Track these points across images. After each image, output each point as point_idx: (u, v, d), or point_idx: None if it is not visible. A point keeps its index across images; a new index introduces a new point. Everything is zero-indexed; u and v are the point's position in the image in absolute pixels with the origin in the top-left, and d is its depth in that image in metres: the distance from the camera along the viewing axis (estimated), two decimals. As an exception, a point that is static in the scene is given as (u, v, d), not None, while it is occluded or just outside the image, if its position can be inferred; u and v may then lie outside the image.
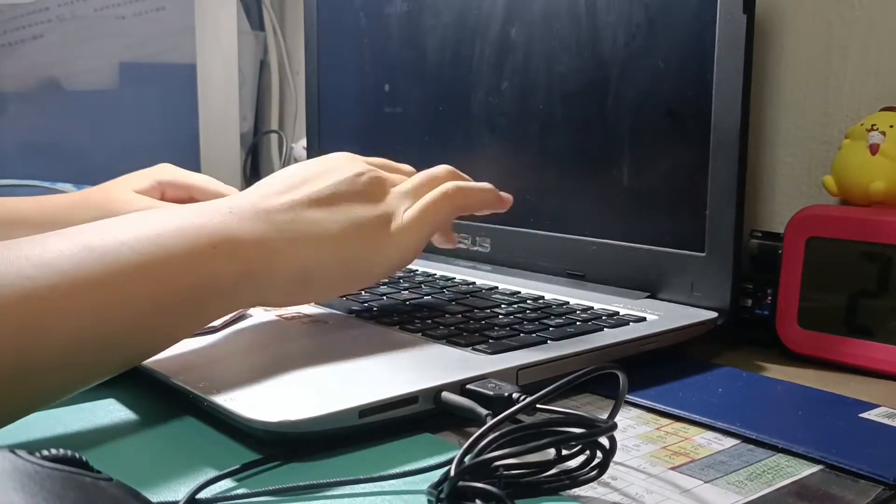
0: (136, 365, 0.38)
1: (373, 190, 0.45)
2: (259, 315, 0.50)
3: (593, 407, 0.41)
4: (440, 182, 0.48)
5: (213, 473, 0.32)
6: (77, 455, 0.23)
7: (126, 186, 0.63)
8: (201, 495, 0.30)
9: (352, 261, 0.44)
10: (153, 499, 0.30)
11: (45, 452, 0.23)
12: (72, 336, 0.33)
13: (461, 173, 0.51)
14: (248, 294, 0.40)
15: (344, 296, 0.54)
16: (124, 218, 0.39)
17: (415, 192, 0.47)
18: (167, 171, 0.66)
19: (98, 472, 0.23)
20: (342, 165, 0.46)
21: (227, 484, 0.32)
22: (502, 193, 0.52)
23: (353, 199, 0.44)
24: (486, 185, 0.51)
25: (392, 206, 0.46)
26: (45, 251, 0.34)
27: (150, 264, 0.36)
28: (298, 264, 0.41)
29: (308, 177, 0.44)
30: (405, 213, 0.46)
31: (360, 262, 0.44)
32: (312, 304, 0.52)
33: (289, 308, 0.52)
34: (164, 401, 0.40)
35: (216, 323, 0.47)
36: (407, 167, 0.52)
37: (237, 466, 0.33)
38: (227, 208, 0.41)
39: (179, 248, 0.37)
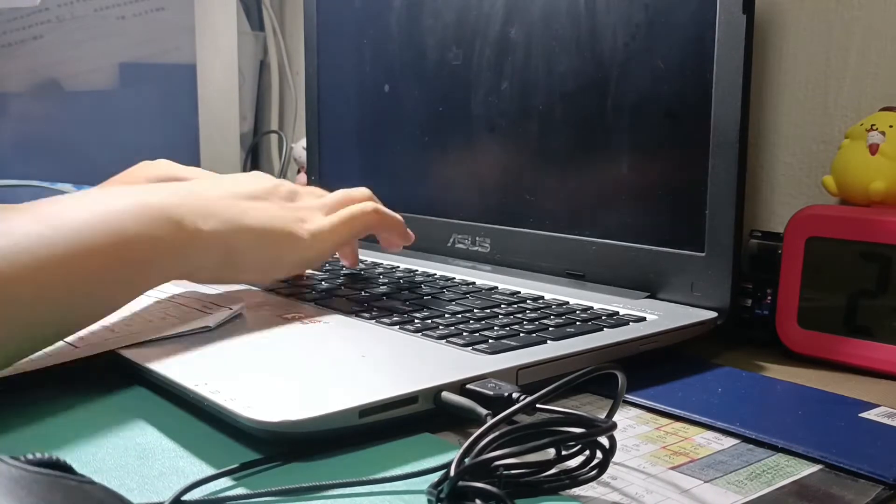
0: (70, 333, 0.42)
1: (290, 196, 0.53)
2: (259, 315, 0.50)
3: (593, 407, 0.41)
4: (356, 200, 0.55)
5: (211, 473, 0.32)
6: (61, 459, 0.23)
7: (120, 183, 0.62)
8: (195, 496, 0.30)
9: (270, 250, 0.49)
10: (152, 500, 0.30)
11: (30, 457, 0.23)
12: (26, 307, 0.38)
13: (377, 199, 0.57)
14: (180, 266, 0.46)
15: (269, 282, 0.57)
16: (79, 195, 0.44)
17: (330, 206, 0.54)
18: (163, 168, 0.65)
19: (81, 475, 0.23)
20: (262, 177, 0.53)
21: (226, 483, 0.32)
22: (409, 231, 0.58)
23: (273, 201, 0.51)
24: (398, 216, 0.57)
25: (306, 213, 0.52)
26: (3, 227, 0.38)
27: (95, 240, 0.40)
28: (224, 245, 0.47)
29: (233, 181, 0.51)
30: (323, 219, 0.52)
31: (276, 252, 0.50)
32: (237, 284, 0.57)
33: (289, 308, 0.52)
34: (163, 401, 0.40)
35: (210, 323, 0.47)
36: (362, 190, 0.58)
37: (235, 466, 0.33)
38: (172, 190, 0.46)
39: (122, 223, 0.42)
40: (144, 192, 0.45)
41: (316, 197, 0.55)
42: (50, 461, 0.23)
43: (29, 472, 0.22)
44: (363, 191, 0.57)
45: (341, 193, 0.55)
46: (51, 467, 0.23)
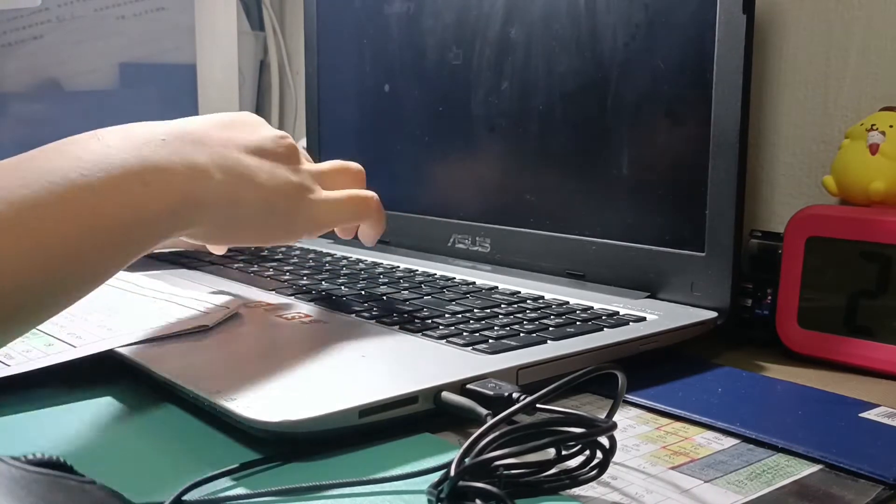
0: (74, 301, 0.38)
1: (291, 157, 0.48)
2: (258, 315, 0.50)
3: (593, 407, 0.41)
4: (350, 175, 0.52)
5: (211, 474, 0.32)
6: (61, 459, 0.23)
7: None
8: (195, 496, 0.30)
9: (276, 211, 0.46)
10: (153, 500, 0.30)
11: (30, 457, 0.23)
12: (20, 268, 0.34)
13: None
14: (180, 224, 0.41)
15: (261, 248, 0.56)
16: (63, 151, 0.38)
17: (325, 175, 0.50)
18: None
19: (81, 475, 0.23)
20: (260, 125, 0.48)
21: (226, 483, 0.32)
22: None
23: (277, 158, 0.47)
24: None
25: (307, 180, 0.48)
26: None
27: (82, 203, 0.36)
28: (229, 199, 0.43)
29: (232, 124, 0.46)
30: (328, 193, 0.49)
31: (281, 215, 0.46)
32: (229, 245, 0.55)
33: (289, 308, 0.52)
34: (163, 401, 0.40)
35: (209, 322, 0.47)
36: (354, 165, 0.54)
37: (235, 465, 0.33)
38: (161, 135, 0.41)
39: (108, 186, 0.37)
40: (144, 142, 0.40)
41: (307, 161, 0.51)
42: (50, 461, 0.23)
43: (29, 473, 0.22)
44: (358, 167, 0.53)
45: (338, 164, 0.52)
46: (51, 467, 0.23)
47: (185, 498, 0.30)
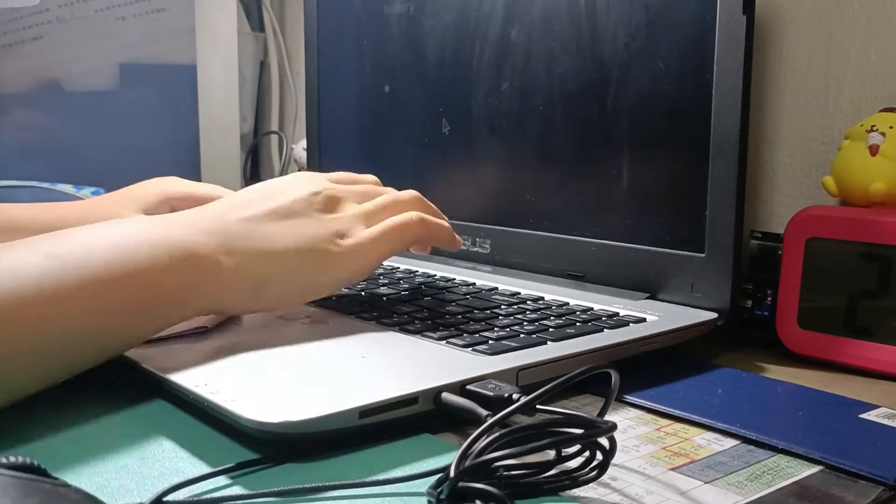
0: (103, 362, 0.40)
1: (328, 207, 0.47)
2: (258, 315, 0.50)
3: (593, 408, 0.41)
4: (404, 207, 0.50)
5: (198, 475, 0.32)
6: (35, 462, 0.23)
7: (135, 205, 0.61)
8: (189, 495, 0.30)
9: (303, 274, 0.45)
10: (135, 502, 0.30)
11: (3, 460, 0.23)
12: (42, 342, 0.36)
13: (427, 201, 0.52)
14: (200, 303, 0.43)
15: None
16: (91, 228, 0.41)
17: (373, 214, 0.49)
18: (174, 185, 0.63)
19: (56, 478, 0.23)
20: (300, 184, 0.48)
21: (221, 483, 0.32)
22: (456, 235, 0.53)
23: (308, 215, 0.46)
24: (445, 222, 0.52)
25: (346, 224, 0.47)
26: (11, 259, 0.36)
27: (109, 275, 0.38)
28: (251, 277, 0.44)
29: (267, 194, 0.47)
30: (362, 232, 0.47)
31: (311, 275, 0.46)
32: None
33: (289, 309, 0.52)
34: (163, 401, 0.40)
35: (208, 323, 0.47)
36: (370, 177, 0.54)
37: (231, 465, 0.33)
38: (191, 220, 0.43)
39: (136, 259, 0.39)
40: (164, 227, 0.42)
41: (359, 200, 0.49)
42: (25, 464, 0.23)
43: (3, 476, 0.22)
44: (411, 194, 0.52)
45: (389, 198, 0.50)
46: (26, 470, 0.23)
47: (176, 497, 0.30)
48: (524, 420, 0.32)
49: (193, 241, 0.42)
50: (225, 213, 0.45)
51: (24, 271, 0.36)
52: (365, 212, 0.48)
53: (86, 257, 0.38)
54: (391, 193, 0.51)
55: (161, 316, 0.41)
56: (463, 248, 0.67)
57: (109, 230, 0.41)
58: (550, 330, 0.47)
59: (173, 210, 0.62)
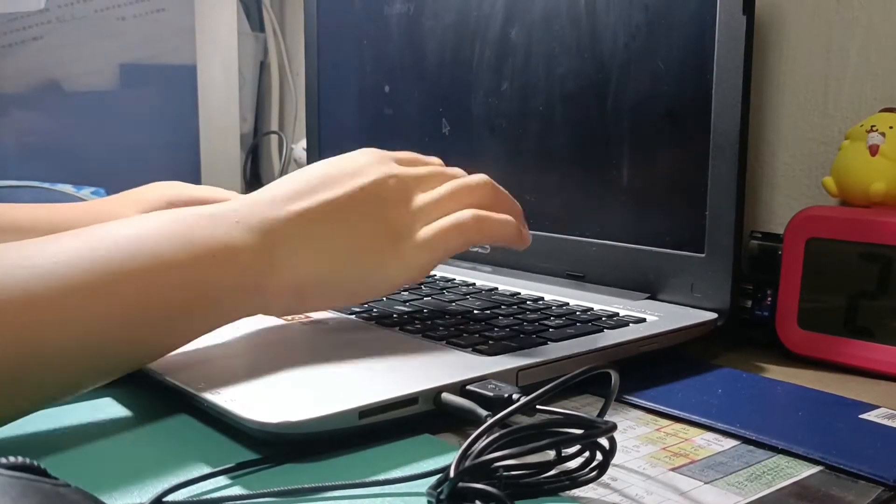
0: (131, 371, 0.38)
1: (395, 197, 0.44)
2: (257, 315, 0.50)
3: (593, 408, 0.41)
4: (472, 193, 0.46)
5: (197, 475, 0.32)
6: (35, 463, 0.23)
7: (136, 208, 0.60)
8: (189, 495, 0.30)
9: (353, 277, 0.43)
10: (134, 502, 0.30)
11: (3, 460, 0.23)
12: (67, 344, 0.34)
13: (498, 188, 0.48)
14: (243, 306, 0.41)
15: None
16: (126, 222, 0.38)
17: (440, 204, 0.45)
18: (177, 189, 0.63)
19: (55, 478, 0.23)
20: (368, 168, 0.44)
21: (220, 483, 0.32)
22: (524, 230, 0.48)
23: (370, 208, 0.43)
24: (508, 218, 0.47)
25: (408, 221, 0.44)
26: (42, 256, 0.34)
27: (146, 273, 0.36)
28: (295, 280, 0.41)
29: (329, 179, 0.43)
30: (419, 233, 0.44)
31: (361, 278, 0.43)
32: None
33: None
34: (162, 400, 0.40)
35: None
36: (435, 159, 0.50)
37: (231, 465, 0.33)
38: (235, 217, 0.40)
39: (177, 257, 0.37)
40: (209, 223, 0.39)
41: (426, 186, 0.45)
42: (24, 465, 0.23)
43: (3, 476, 0.22)
44: (481, 179, 0.47)
45: (457, 184, 0.46)
46: (25, 470, 0.23)
47: (177, 498, 0.30)
48: (524, 420, 0.32)
49: (240, 238, 0.39)
50: (277, 204, 0.41)
51: (63, 264, 0.34)
52: (430, 201, 0.45)
53: (117, 254, 0.35)
54: (458, 180, 0.47)
55: (201, 318, 0.39)
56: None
57: (146, 225, 0.38)
58: (550, 330, 0.47)
59: None
